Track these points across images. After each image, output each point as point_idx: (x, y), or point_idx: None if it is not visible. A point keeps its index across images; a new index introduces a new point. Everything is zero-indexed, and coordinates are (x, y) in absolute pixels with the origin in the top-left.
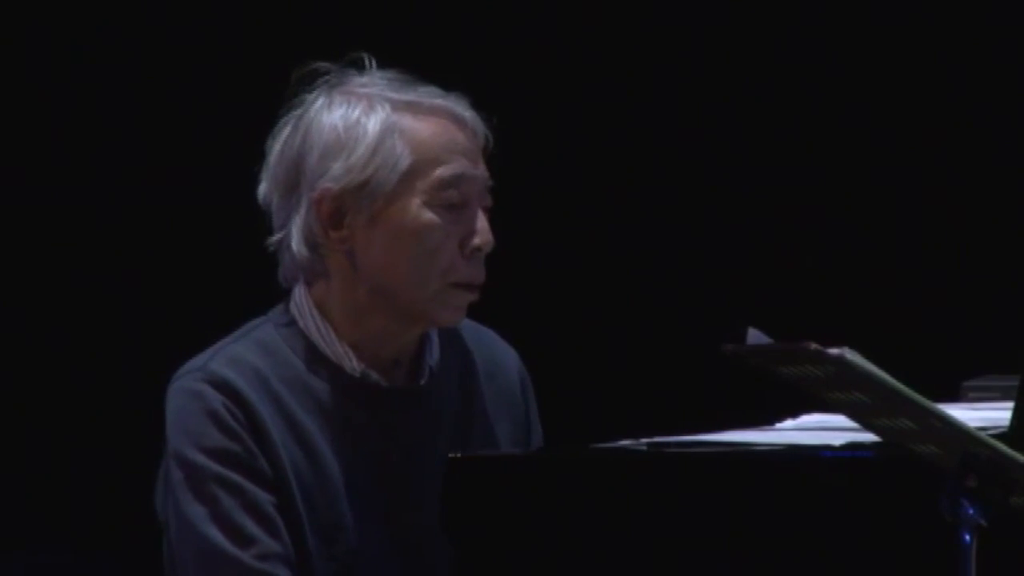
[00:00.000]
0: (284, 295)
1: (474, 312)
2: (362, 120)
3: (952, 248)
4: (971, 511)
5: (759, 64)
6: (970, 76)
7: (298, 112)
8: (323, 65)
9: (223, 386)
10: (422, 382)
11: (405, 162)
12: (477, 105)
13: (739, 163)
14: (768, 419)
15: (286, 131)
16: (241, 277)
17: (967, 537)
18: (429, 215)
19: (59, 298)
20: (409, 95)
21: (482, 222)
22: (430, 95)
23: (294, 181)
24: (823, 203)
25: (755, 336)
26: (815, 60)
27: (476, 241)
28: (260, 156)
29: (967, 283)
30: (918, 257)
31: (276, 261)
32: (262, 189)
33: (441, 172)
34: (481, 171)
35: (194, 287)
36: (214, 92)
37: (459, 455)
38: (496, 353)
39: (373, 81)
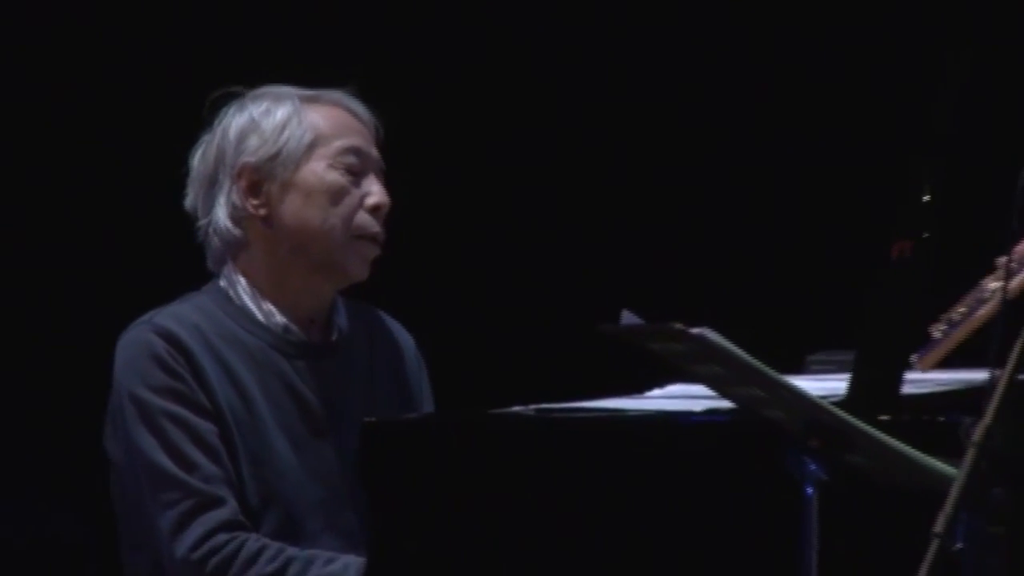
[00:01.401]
0: (212, 279)
1: (380, 300)
2: (271, 108)
3: (796, 241)
4: (813, 468)
5: (635, 63)
6: (816, 74)
7: (214, 124)
8: (236, 89)
9: (167, 335)
10: (334, 338)
11: (310, 135)
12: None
13: (620, 161)
14: (639, 388)
15: (204, 141)
16: (178, 263)
17: (810, 490)
18: (334, 174)
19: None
20: (310, 93)
21: (378, 185)
22: (329, 93)
23: (215, 174)
24: (690, 202)
25: (628, 317)
26: (686, 63)
27: (373, 199)
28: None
29: (809, 271)
30: (769, 249)
31: (204, 251)
32: (188, 196)
33: (340, 143)
34: (375, 153)
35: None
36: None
37: (374, 419)
38: (398, 335)
39: (278, 87)
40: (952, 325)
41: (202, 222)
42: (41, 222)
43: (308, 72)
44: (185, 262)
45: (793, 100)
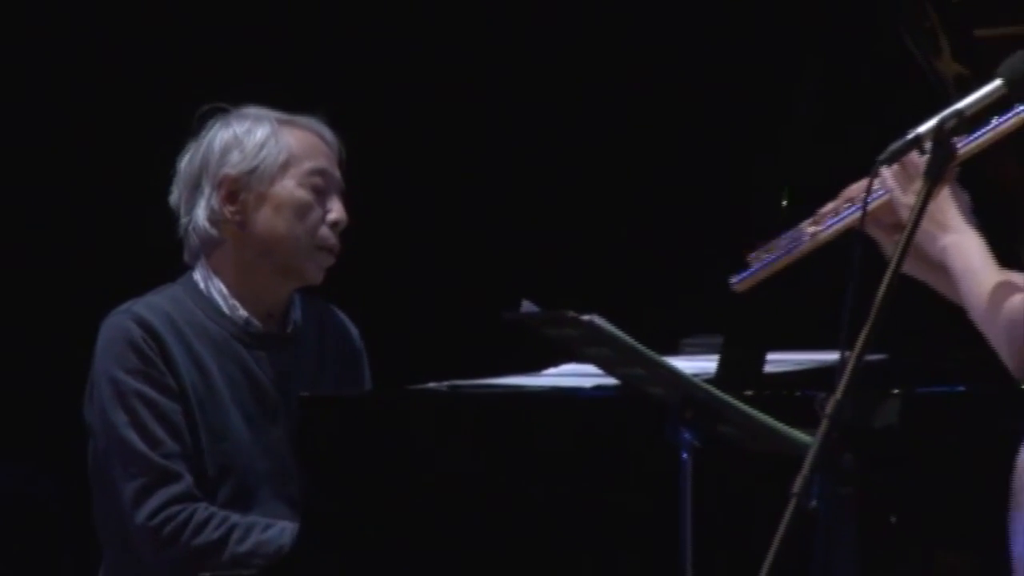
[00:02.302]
0: (183, 272)
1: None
2: (252, 128)
3: (673, 240)
4: (688, 436)
5: (541, 65)
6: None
7: (201, 135)
8: (221, 105)
9: (142, 323)
10: (288, 330)
11: (284, 155)
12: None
13: (520, 168)
14: (537, 367)
15: (191, 149)
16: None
17: (685, 455)
18: (301, 192)
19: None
20: (286, 117)
21: (338, 204)
22: (301, 118)
23: (198, 179)
24: (582, 208)
25: (527, 306)
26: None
27: (333, 216)
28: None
29: (684, 266)
30: (649, 247)
31: (182, 246)
32: (173, 194)
33: (309, 164)
34: (337, 174)
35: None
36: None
37: (308, 394)
38: (345, 327)
39: (258, 108)
40: (770, 255)
41: (183, 220)
42: (41, 216)
43: (283, 89)
44: (164, 254)
45: (673, 110)
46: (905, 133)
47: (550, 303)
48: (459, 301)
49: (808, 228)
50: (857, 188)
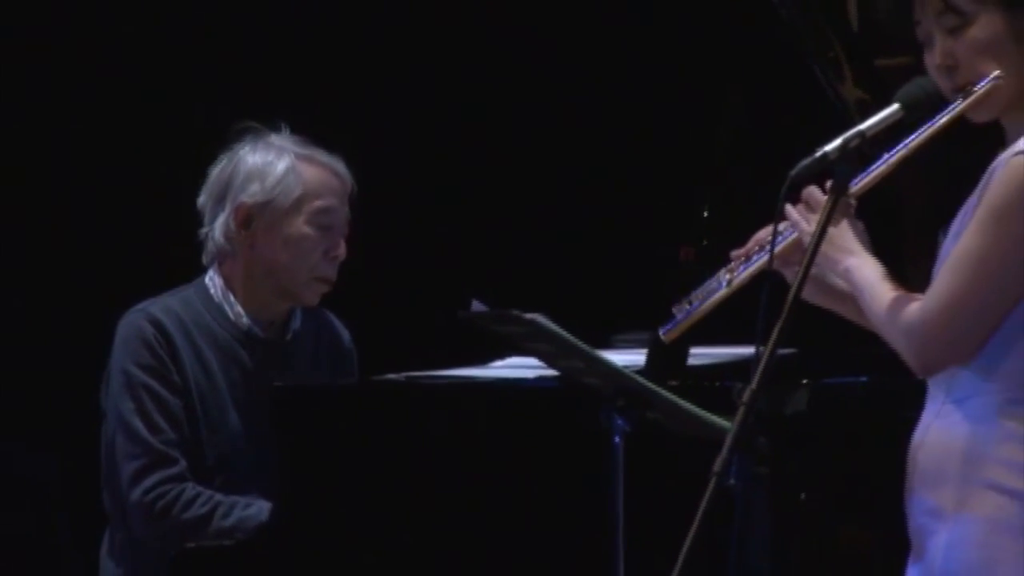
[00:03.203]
0: (203, 272)
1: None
2: (274, 161)
3: (607, 245)
4: (620, 422)
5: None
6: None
7: (232, 152)
8: (252, 124)
9: (156, 324)
10: (287, 338)
11: (297, 192)
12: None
13: (469, 178)
14: (485, 360)
15: (223, 162)
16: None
17: (617, 439)
18: (307, 229)
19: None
20: (307, 151)
21: (341, 239)
22: (320, 153)
23: (223, 194)
24: (529, 215)
25: (477, 306)
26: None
27: (334, 252)
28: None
29: (617, 268)
30: (585, 252)
31: (202, 248)
32: (201, 198)
33: (319, 203)
34: (345, 210)
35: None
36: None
37: (281, 384)
38: (337, 331)
39: (284, 139)
40: (691, 306)
41: (205, 228)
42: (68, 218)
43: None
44: (182, 257)
45: (611, 119)
46: (813, 152)
47: (498, 303)
48: (417, 302)
49: (724, 275)
50: (765, 232)
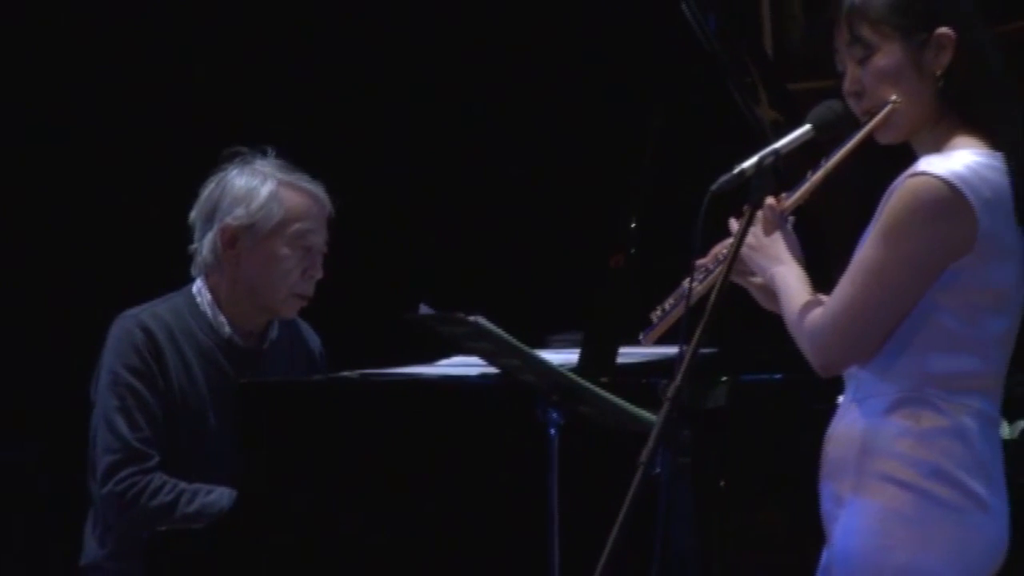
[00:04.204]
0: (191, 281)
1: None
2: (258, 187)
3: (544, 252)
4: (555, 416)
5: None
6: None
7: (221, 174)
8: (241, 148)
9: (145, 329)
10: (265, 347)
11: (279, 216)
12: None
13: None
14: (431, 358)
15: (212, 183)
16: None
17: (552, 432)
18: (286, 251)
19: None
20: (289, 177)
21: (318, 260)
22: (302, 180)
23: (211, 214)
24: (474, 223)
25: (425, 309)
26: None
27: (312, 272)
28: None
29: (551, 273)
30: (524, 258)
31: (191, 259)
32: (192, 214)
33: (299, 226)
34: (323, 233)
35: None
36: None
37: (245, 380)
38: (310, 338)
39: (268, 163)
40: (665, 311)
41: (195, 243)
42: (67, 229)
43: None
44: (172, 266)
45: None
46: (732, 168)
47: (443, 304)
48: (370, 306)
49: (687, 284)
50: (721, 246)
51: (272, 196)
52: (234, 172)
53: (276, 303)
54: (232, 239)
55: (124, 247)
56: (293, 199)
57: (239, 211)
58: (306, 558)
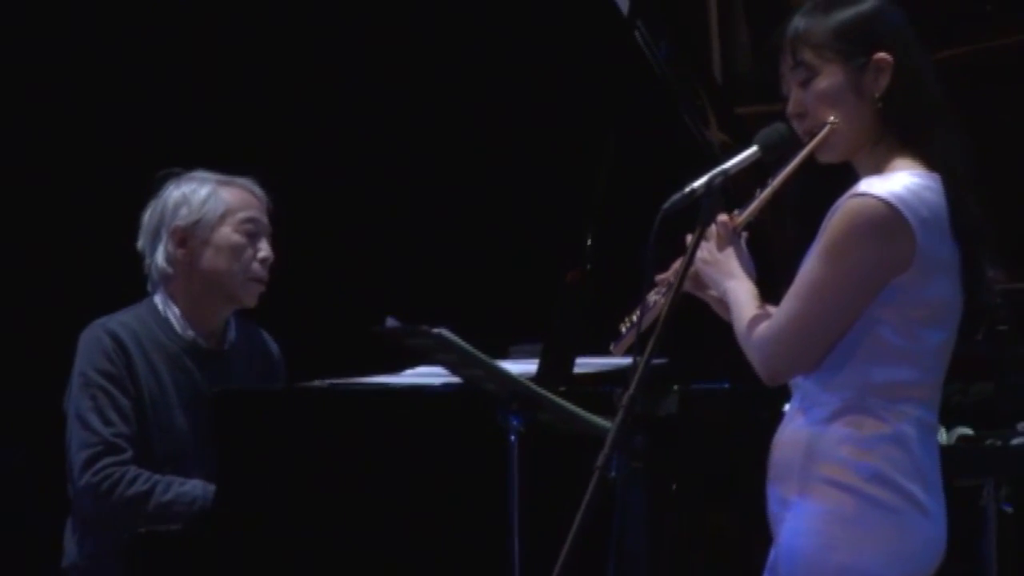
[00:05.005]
0: (149, 295)
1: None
2: (197, 188)
3: (505, 268)
4: (516, 423)
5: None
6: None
7: (159, 193)
8: (174, 170)
9: (113, 336)
10: (225, 348)
11: (222, 208)
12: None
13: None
14: (397, 368)
15: (151, 206)
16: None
17: (513, 438)
18: (236, 237)
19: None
20: (225, 178)
21: (266, 244)
22: (236, 179)
23: (157, 229)
24: (438, 238)
25: (391, 321)
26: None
27: (262, 254)
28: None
29: (512, 288)
30: (485, 273)
31: (147, 278)
32: (139, 242)
33: (242, 215)
34: (265, 220)
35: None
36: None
37: (219, 389)
38: (268, 344)
39: (201, 172)
40: (631, 324)
41: (148, 260)
42: (47, 246)
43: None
44: (132, 282)
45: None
46: (682, 187)
47: (409, 318)
48: (338, 318)
49: (651, 297)
50: (679, 261)
51: (211, 193)
52: (171, 186)
53: (235, 288)
54: (183, 239)
55: (110, 252)
56: (233, 193)
57: (183, 212)
58: (277, 560)
